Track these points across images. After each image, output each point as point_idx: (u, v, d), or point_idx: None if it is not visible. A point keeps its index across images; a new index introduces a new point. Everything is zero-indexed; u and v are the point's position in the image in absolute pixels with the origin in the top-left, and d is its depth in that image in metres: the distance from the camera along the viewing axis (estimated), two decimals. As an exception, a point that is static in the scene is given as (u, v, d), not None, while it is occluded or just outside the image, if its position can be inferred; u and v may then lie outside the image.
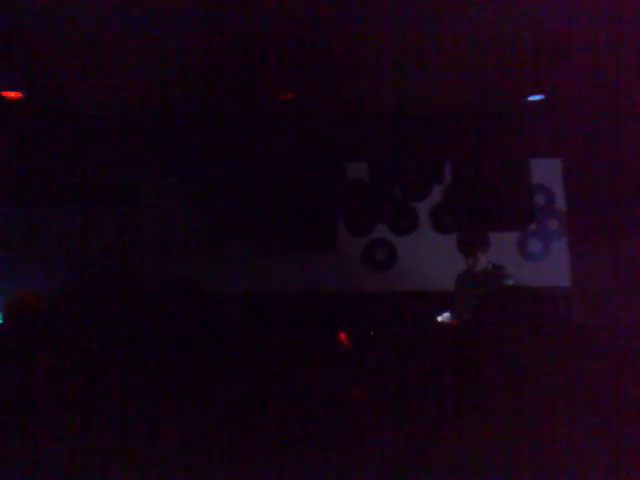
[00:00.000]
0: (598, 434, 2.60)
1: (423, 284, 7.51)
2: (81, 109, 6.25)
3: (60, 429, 2.66)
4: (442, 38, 5.42)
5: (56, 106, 6.07)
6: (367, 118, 7.13)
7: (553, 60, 5.67)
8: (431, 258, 7.69)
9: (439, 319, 5.90)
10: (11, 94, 5.96)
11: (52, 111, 6.19)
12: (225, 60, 5.33)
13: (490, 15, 5.09)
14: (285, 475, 2.60)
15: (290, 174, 7.48)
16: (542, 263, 7.77)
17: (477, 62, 5.82)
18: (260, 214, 7.43)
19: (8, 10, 4.70)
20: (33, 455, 2.59)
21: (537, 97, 6.72)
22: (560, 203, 7.84)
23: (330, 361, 3.00)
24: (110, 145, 7.03)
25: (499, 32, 5.36)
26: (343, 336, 3.22)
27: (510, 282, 6.06)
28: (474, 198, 7.45)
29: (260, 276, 7.44)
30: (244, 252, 7.59)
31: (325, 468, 2.62)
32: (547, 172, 7.78)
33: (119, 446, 2.63)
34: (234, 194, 7.50)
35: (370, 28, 5.25)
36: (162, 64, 5.49)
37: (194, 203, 7.61)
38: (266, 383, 2.83)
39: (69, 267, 6.99)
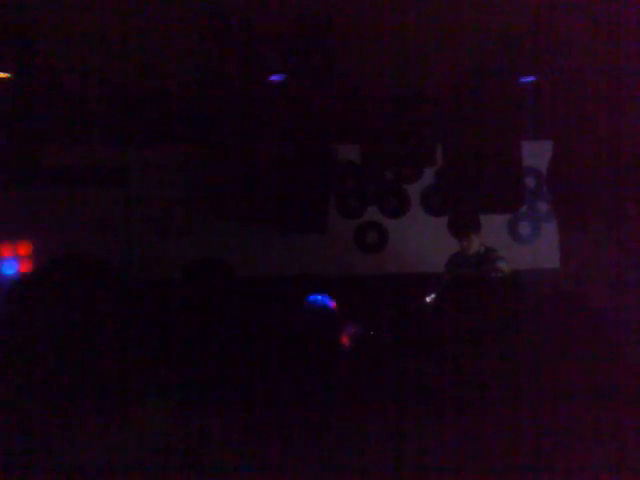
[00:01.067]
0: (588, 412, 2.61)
1: (414, 266, 7.50)
2: (67, 88, 6.20)
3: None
4: (433, 19, 5.39)
5: (43, 85, 6.01)
6: (359, 100, 7.10)
7: (545, 41, 5.65)
8: (422, 240, 7.68)
9: (427, 300, 5.90)
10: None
11: (39, 91, 6.13)
12: (218, 38, 5.28)
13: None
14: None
15: (281, 156, 7.44)
16: (533, 245, 7.79)
17: (469, 43, 5.80)
18: (251, 197, 7.39)
19: None
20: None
21: (529, 79, 6.71)
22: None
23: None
24: (100, 125, 6.97)
25: (490, 13, 5.34)
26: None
27: (502, 264, 6.05)
28: (465, 181, 7.43)
29: (251, 259, 7.40)
30: (234, 234, 7.55)
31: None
32: (538, 154, 7.77)
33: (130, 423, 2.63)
34: (225, 176, 7.45)
35: (362, 8, 5.22)
36: (155, 39, 5.43)
37: (184, 185, 7.57)
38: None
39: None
